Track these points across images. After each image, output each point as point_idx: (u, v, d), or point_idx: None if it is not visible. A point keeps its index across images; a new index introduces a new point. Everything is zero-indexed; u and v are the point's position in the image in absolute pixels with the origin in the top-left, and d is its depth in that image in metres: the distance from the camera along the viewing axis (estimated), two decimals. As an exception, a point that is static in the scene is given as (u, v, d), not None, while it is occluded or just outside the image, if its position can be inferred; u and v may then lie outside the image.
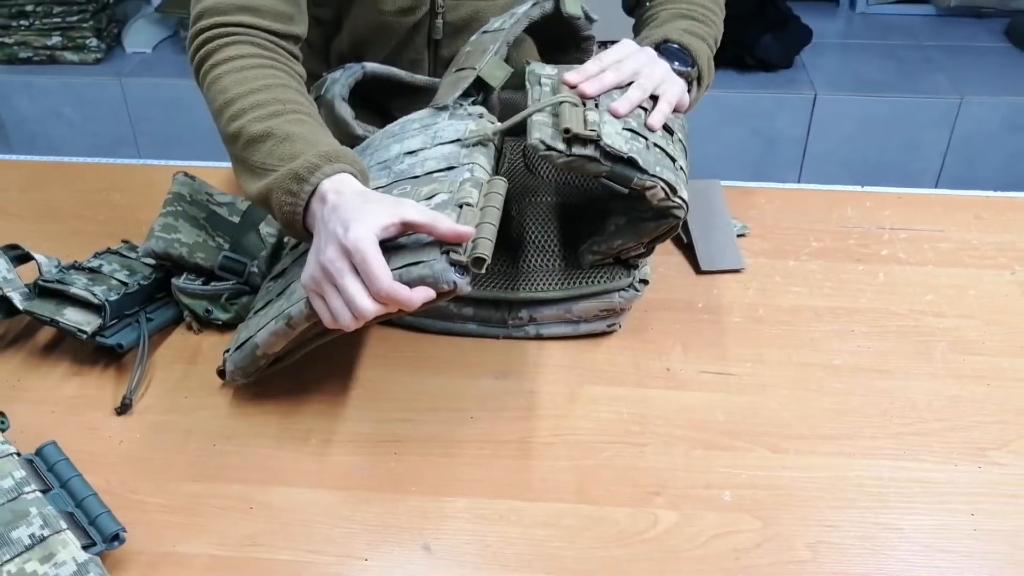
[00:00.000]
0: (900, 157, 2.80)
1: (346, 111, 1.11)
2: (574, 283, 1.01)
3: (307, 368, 0.99)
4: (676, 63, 1.05)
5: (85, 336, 0.96)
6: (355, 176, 0.88)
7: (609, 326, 1.05)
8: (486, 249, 0.81)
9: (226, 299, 1.05)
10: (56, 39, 2.89)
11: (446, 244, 0.82)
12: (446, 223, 0.82)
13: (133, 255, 1.07)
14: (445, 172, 0.91)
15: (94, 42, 2.91)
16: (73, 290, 0.98)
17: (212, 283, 1.05)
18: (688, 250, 1.18)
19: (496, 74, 1.04)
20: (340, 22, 1.24)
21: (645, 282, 1.03)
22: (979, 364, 1.01)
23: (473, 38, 1.11)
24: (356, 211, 0.82)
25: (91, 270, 1.03)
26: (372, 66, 1.13)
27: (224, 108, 0.97)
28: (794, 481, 0.87)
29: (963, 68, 2.88)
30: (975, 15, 3.21)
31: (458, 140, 0.94)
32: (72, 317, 0.97)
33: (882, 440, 0.91)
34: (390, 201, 0.84)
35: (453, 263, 0.81)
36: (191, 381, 0.98)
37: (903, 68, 2.89)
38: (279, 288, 0.96)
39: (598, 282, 1.01)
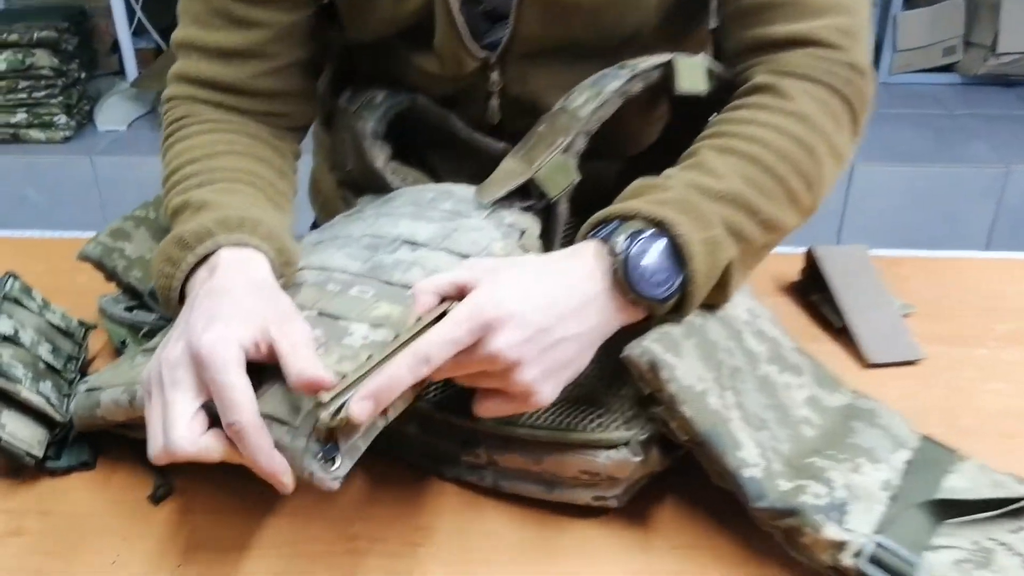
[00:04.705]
0: (942, 228, 2.66)
1: (378, 153, 0.87)
2: (546, 418, 0.69)
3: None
4: (641, 286, 0.65)
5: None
6: (264, 256, 0.68)
7: (596, 499, 0.69)
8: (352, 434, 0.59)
9: (143, 334, 0.86)
10: (21, 116, 2.76)
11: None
12: (301, 363, 0.59)
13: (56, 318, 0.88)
14: None
15: (63, 119, 2.78)
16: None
17: (135, 311, 0.89)
18: (842, 336, 0.92)
19: (556, 179, 0.77)
20: None
21: (647, 445, 0.68)
22: None
23: (551, 111, 0.82)
24: (230, 307, 0.62)
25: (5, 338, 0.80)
26: (425, 101, 0.89)
27: (163, 183, 0.81)
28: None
29: (1004, 136, 2.75)
30: (1003, 83, 3.11)
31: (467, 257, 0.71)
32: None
33: None
34: (278, 311, 0.63)
35: (321, 447, 0.59)
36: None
37: (940, 137, 2.77)
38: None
39: (578, 428, 0.68)
